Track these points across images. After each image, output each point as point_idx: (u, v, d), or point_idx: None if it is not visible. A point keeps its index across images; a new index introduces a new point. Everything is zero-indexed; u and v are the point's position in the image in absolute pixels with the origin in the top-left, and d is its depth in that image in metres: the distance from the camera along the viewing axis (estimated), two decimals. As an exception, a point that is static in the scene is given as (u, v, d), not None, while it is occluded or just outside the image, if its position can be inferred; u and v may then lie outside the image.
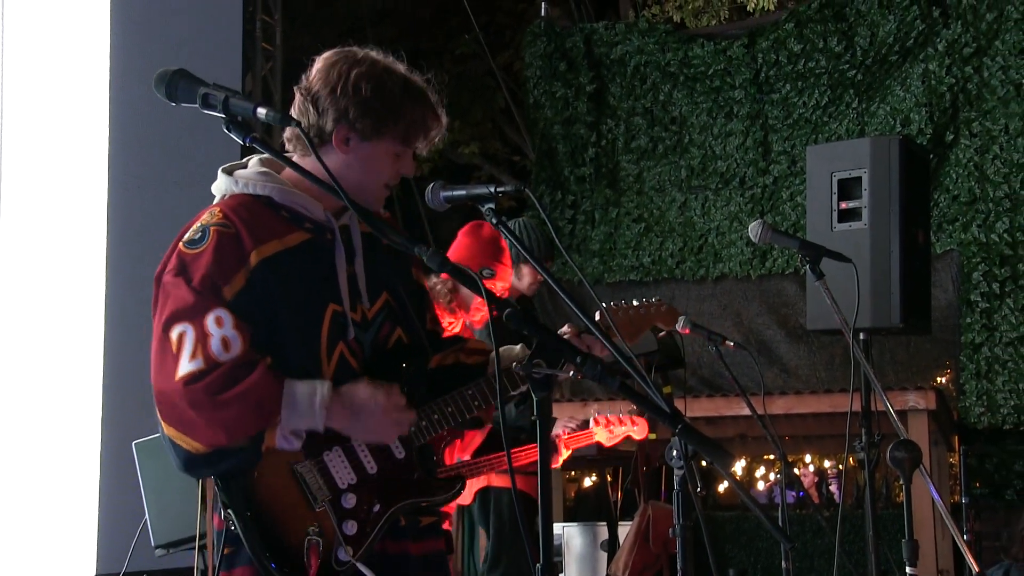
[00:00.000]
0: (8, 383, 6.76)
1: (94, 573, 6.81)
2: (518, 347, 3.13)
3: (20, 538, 6.68)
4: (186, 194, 7.53)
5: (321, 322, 2.81)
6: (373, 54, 2.95)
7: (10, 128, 6.91)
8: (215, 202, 2.91)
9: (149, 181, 7.46)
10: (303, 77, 2.94)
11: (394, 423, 2.80)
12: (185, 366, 2.65)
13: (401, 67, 2.96)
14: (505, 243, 6.24)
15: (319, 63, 2.93)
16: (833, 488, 14.03)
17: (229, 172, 2.92)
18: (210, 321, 2.68)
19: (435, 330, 3.17)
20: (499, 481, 5.89)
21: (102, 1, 7.29)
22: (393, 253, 3.01)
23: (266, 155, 2.82)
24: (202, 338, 2.66)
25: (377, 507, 2.79)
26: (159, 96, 2.56)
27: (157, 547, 5.64)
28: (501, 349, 3.08)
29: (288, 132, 2.90)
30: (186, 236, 2.79)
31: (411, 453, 2.88)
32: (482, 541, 6.19)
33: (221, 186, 2.92)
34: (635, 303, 3.41)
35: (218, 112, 2.51)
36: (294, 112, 2.90)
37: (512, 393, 3.07)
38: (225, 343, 2.67)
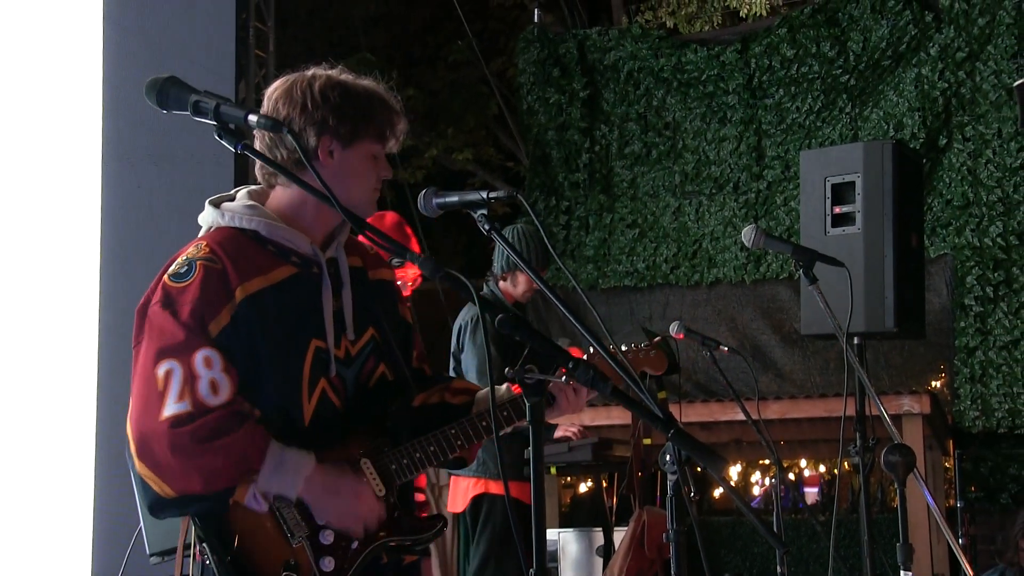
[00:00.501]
0: (2, 389, 6.75)
1: (89, 581, 6.80)
2: (503, 387, 3.10)
3: (15, 545, 6.66)
4: (180, 201, 7.53)
5: (303, 358, 2.79)
6: (321, 70, 2.94)
7: (1, 134, 6.91)
8: (201, 234, 2.88)
9: (144, 188, 7.46)
10: (250, 117, 2.90)
11: (362, 519, 2.76)
12: (171, 407, 2.63)
13: (350, 77, 2.95)
14: (410, 230, 6.26)
15: (272, 92, 2.91)
16: (811, 490, 14.05)
17: (216, 204, 2.90)
18: (199, 361, 2.65)
19: (421, 368, 3.14)
20: (496, 488, 5.90)
21: (95, 8, 7.29)
22: (380, 289, 3.01)
23: (254, 187, 2.84)
24: (190, 379, 2.64)
25: (355, 544, 2.76)
26: (150, 104, 2.56)
27: (152, 555, 5.62)
28: (479, 395, 3.08)
29: (259, 170, 2.89)
30: (171, 269, 2.77)
31: (392, 491, 2.85)
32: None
33: (208, 218, 2.90)
34: (623, 348, 3.40)
35: (209, 119, 2.51)
36: (262, 149, 2.84)
37: (504, 430, 3.04)
38: (214, 386, 2.65)
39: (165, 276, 2.76)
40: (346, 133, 2.86)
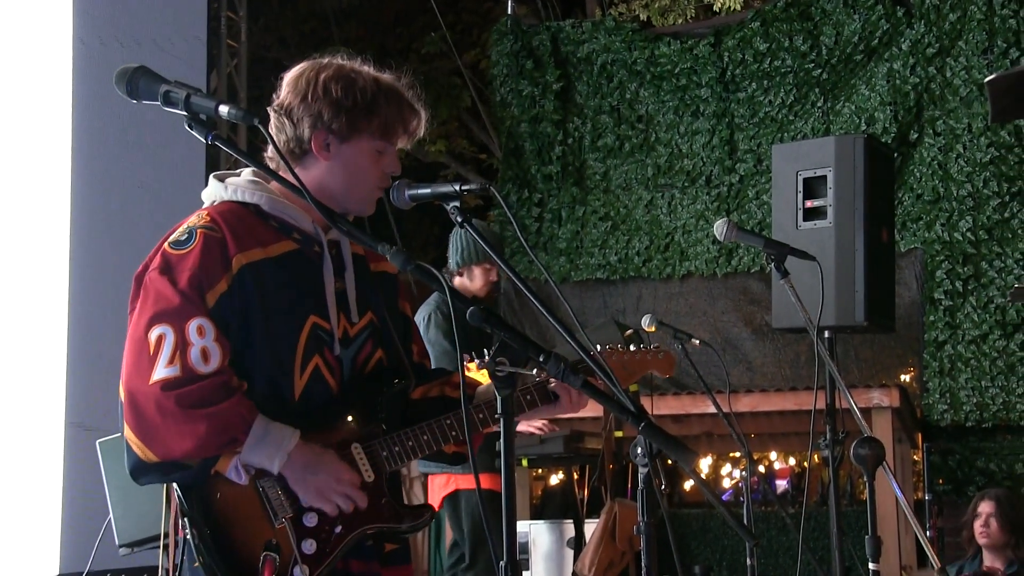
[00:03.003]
0: (-30, 382, 6.71)
1: (57, 572, 6.77)
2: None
3: (-18, 538, 6.63)
4: (149, 193, 7.50)
5: (299, 333, 2.79)
6: (339, 60, 2.94)
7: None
8: (203, 207, 2.88)
9: (113, 179, 7.42)
10: (274, 96, 2.93)
11: (340, 497, 2.75)
12: (161, 370, 2.62)
13: (370, 69, 2.95)
14: None
15: (287, 79, 2.92)
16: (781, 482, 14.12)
17: (220, 179, 2.91)
18: (192, 329, 2.65)
19: (422, 363, 3.14)
20: (465, 483, 5.90)
21: (65, -3, 7.25)
22: (382, 281, 3.01)
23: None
24: (182, 345, 2.63)
25: (339, 528, 2.76)
26: (120, 93, 2.54)
27: (121, 546, 5.61)
28: (480, 388, 3.07)
29: (269, 151, 2.89)
30: (172, 237, 2.77)
31: (381, 477, 2.85)
32: (448, 538, 6.19)
33: (211, 192, 2.91)
34: (631, 348, 3.39)
35: (180, 110, 2.50)
36: (272, 131, 2.87)
37: (493, 428, 3.01)
38: (204, 354, 2.65)
39: (166, 244, 2.77)
40: (342, 128, 2.85)
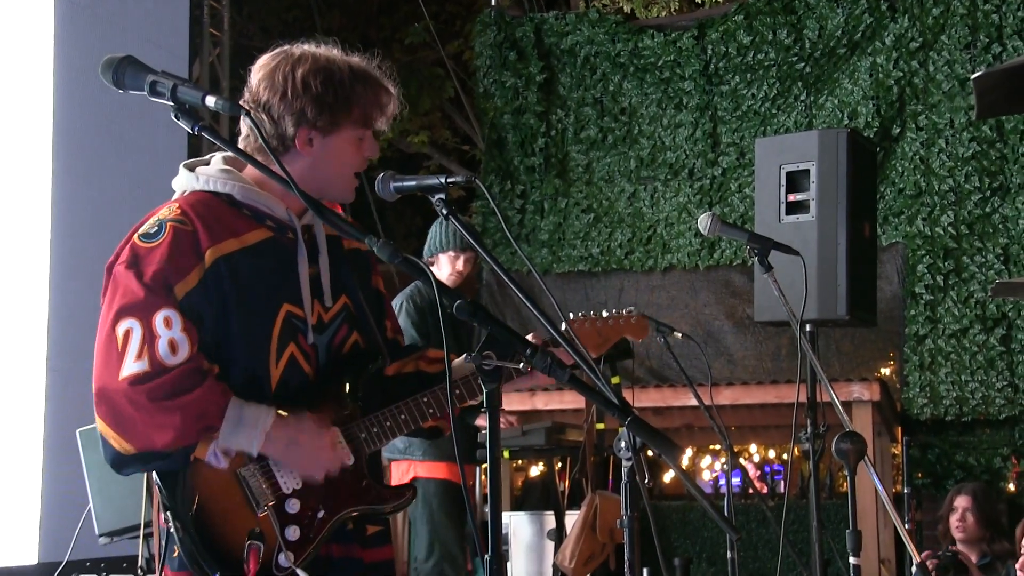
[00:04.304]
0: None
1: (36, 561, 6.75)
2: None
3: (-39, 527, 6.60)
4: (131, 183, 7.47)
5: (273, 322, 2.78)
6: (309, 48, 2.91)
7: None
8: (174, 197, 2.86)
9: (94, 168, 7.39)
10: (245, 90, 2.90)
11: (327, 461, 2.76)
12: (130, 366, 2.61)
13: (339, 53, 2.93)
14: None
15: (258, 71, 2.89)
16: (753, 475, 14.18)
17: (191, 168, 2.88)
18: (159, 321, 2.64)
19: (395, 339, 3.13)
20: (424, 471, 5.93)
21: (47, -16, 7.21)
22: (355, 259, 3.00)
23: (229, 153, 2.78)
24: (149, 338, 2.62)
25: (322, 513, 2.76)
26: (106, 83, 2.53)
27: (101, 535, 5.60)
28: (456, 362, 3.04)
29: (253, 143, 2.86)
30: (141, 229, 2.75)
31: (361, 460, 2.85)
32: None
33: (182, 182, 2.88)
34: (604, 314, 3.39)
35: (166, 101, 2.48)
36: (247, 127, 2.84)
37: (469, 402, 3.04)
38: (172, 346, 2.63)
39: (135, 236, 2.75)
40: (324, 124, 2.84)
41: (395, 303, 5.85)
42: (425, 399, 2.90)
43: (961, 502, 6.44)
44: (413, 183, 2.67)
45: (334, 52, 2.92)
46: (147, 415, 2.60)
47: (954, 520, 6.43)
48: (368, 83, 2.90)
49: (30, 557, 6.76)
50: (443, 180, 2.61)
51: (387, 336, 3.09)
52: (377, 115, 2.92)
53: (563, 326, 3.12)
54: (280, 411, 2.73)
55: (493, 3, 10.68)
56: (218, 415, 2.65)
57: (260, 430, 2.67)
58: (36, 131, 7.13)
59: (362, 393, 2.88)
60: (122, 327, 2.64)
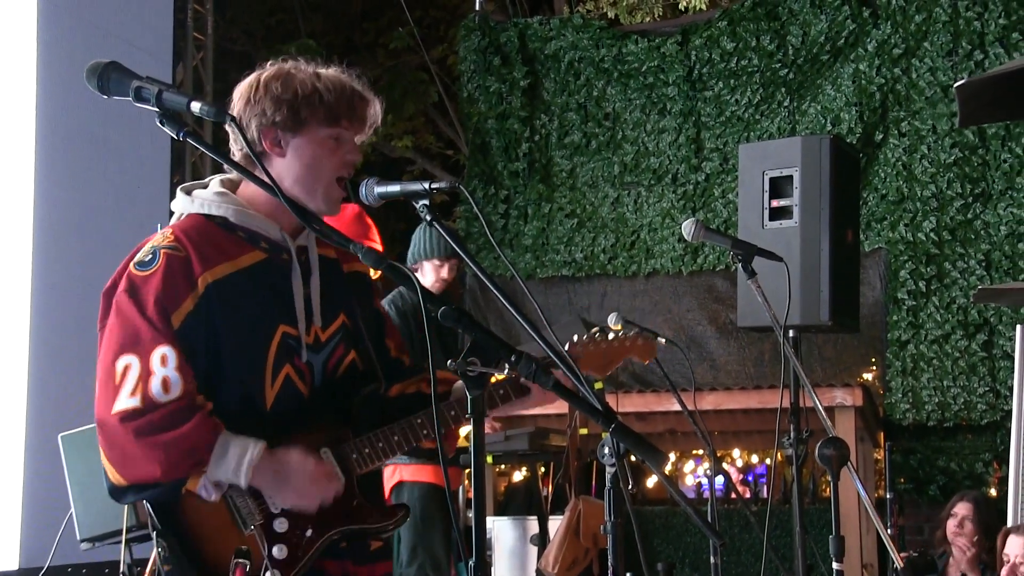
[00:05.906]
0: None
1: (17, 566, 6.72)
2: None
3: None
4: (114, 188, 7.44)
5: (268, 344, 2.81)
6: (289, 63, 2.94)
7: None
8: (172, 221, 2.91)
9: (77, 173, 7.36)
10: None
11: (319, 491, 2.78)
12: (123, 401, 2.67)
13: (313, 67, 2.95)
14: (370, 220, 6.23)
15: (237, 90, 2.94)
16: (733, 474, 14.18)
17: (188, 192, 2.92)
18: (155, 358, 2.69)
19: (399, 359, 3.14)
20: (410, 475, 5.93)
21: (30, -12, 7.18)
22: (355, 281, 3.01)
23: (226, 176, 2.86)
24: (144, 375, 2.67)
25: (310, 532, 2.78)
26: (91, 88, 2.53)
27: (82, 541, 5.58)
28: (456, 385, 3.06)
29: (238, 153, 2.88)
30: (136, 257, 2.80)
31: (351, 480, 2.85)
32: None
33: (179, 205, 2.93)
34: (609, 336, 3.38)
35: (151, 106, 2.49)
36: (230, 145, 2.88)
37: (464, 424, 3.03)
38: (165, 384, 2.67)
39: (131, 264, 2.79)
40: (285, 120, 2.85)
41: None
42: (419, 420, 2.91)
43: (961, 509, 6.43)
44: (397, 188, 2.68)
45: (309, 66, 2.94)
46: (136, 449, 2.64)
47: (952, 525, 6.42)
48: (334, 83, 2.91)
49: (11, 562, 6.73)
50: (427, 186, 2.62)
51: (390, 356, 3.11)
52: (347, 114, 2.91)
53: (566, 347, 3.12)
54: (267, 444, 2.74)
55: (477, 8, 10.68)
56: (207, 450, 2.68)
57: (247, 464, 2.70)
58: (19, 135, 7.10)
59: (355, 413, 2.89)
60: (121, 363, 2.70)
